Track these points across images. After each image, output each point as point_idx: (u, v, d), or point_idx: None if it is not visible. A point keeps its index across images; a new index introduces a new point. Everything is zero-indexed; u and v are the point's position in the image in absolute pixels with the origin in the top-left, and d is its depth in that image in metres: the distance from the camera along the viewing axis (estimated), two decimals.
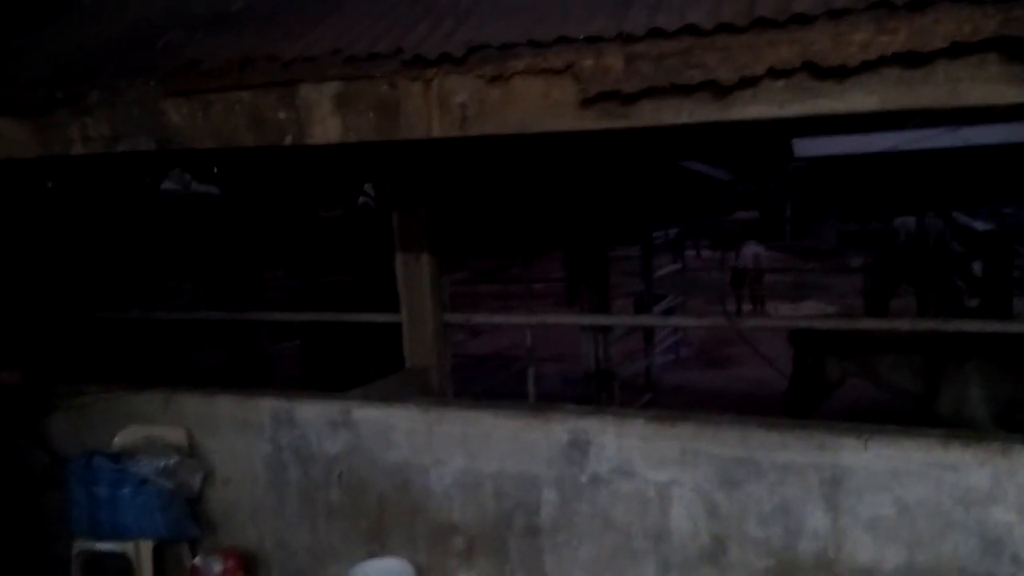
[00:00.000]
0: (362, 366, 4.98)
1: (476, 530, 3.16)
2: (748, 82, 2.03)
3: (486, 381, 6.72)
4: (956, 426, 3.47)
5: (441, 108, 2.39)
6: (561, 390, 7.33)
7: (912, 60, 1.93)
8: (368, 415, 3.32)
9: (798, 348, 4.03)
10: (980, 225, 8.45)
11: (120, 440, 3.47)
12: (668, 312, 8.87)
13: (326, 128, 2.55)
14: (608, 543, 2.98)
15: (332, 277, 7.58)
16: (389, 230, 4.08)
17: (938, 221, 12.31)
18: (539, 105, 2.27)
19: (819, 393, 4.01)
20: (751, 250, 13.11)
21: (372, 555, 3.29)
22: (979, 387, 3.48)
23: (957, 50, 1.88)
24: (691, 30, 2.12)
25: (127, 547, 3.24)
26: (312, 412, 3.41)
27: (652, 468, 2.92)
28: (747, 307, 12.34)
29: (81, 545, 3.29)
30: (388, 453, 3.29)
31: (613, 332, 6.71)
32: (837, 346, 3.86)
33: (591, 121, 2.23)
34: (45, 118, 2.88)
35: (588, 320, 5.92)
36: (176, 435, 3.49)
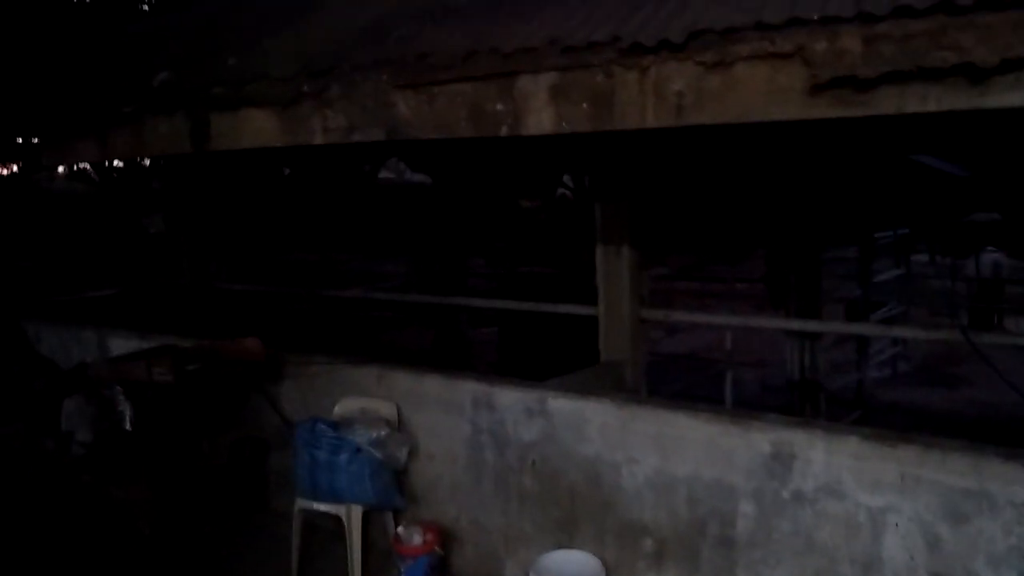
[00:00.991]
0: (557, 357, 5.04)
1: (667, 533, 3.09)
2: (1012, 65, 1.78)
3: (681, 381, 6.55)
4: None
5: (656, 97, 2.34)
6: (760, 398, 6.98)
7: None
8: (563, 406, 3.34)
9: None
10: None
11: (339, 409, 3.78)
12: (887, 321, 8.14)
13: (540, 119, 2.58)
14: (810, 566, 2.78)
15: (530, 267, 7.75)
16: (587, 222, 4.09)
17: None
18: (763, 92, 2.15)
19: None
20: (990, 258, 11.70)
21: (561, 545, 3.32)
22: None
23: None
24: (945, 7, 1.90)
25: (340, 509, 3.51)
26: (510, 398, 3.50)
27: (865, 491, 2.68)
28: (985, 321, 11.01)
29: (302, 503, 3.61)
30: (581, 445, 3.29)
31: (822, 340, 6.26)
32: None
33: (822, 109, 2.07)
34: (292, 110, 3.17)
35: (796, 325, 5.56)
36: (387, 409, 3.73)
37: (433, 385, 3.74)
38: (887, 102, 1.99)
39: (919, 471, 2.59)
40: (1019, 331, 10.43)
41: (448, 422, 3.66)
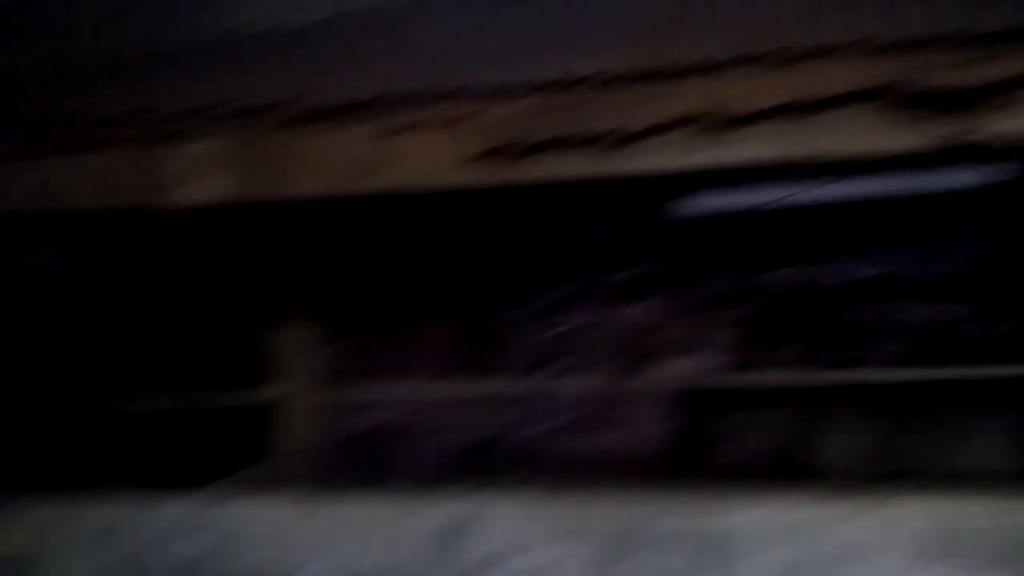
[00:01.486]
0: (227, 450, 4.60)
1: None
2: (641, 134, 2.03)
3: (382, 459, 6.33)
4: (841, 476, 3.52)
5: (327, 164, 2.28)
6: (455, 463, 7.03)
7: (798, 110, 1.98)
8: (223, 513, 2.99)
9: (683, 406, 4.01)
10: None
11: None
12: (557, 374, 8.76)
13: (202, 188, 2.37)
14: None
15: None
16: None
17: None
18: (430, 161, 2.20)
19: (706, 450, 3.99)
20: (643, 305, 13.21)
21: None
22: (854, 434, 3.55)
23: (843, 99, 1.94)
24: (584, 81, 2.10)
25: None
26: (154, 513, 3.04)
27: (534, 548, 2.74)
28: (642, 365, 12.38)
29: None
30: (243, 557, 2.95)
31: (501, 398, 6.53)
32: (724, 403, 3.86)
33: (483, 176, 2.17)
34: None
35: (467, 390, 5.70)
36: None
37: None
38: (543, 169, 2.14)
39: (577, 520, 2.71)
40: None
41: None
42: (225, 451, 4.94)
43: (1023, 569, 2.39)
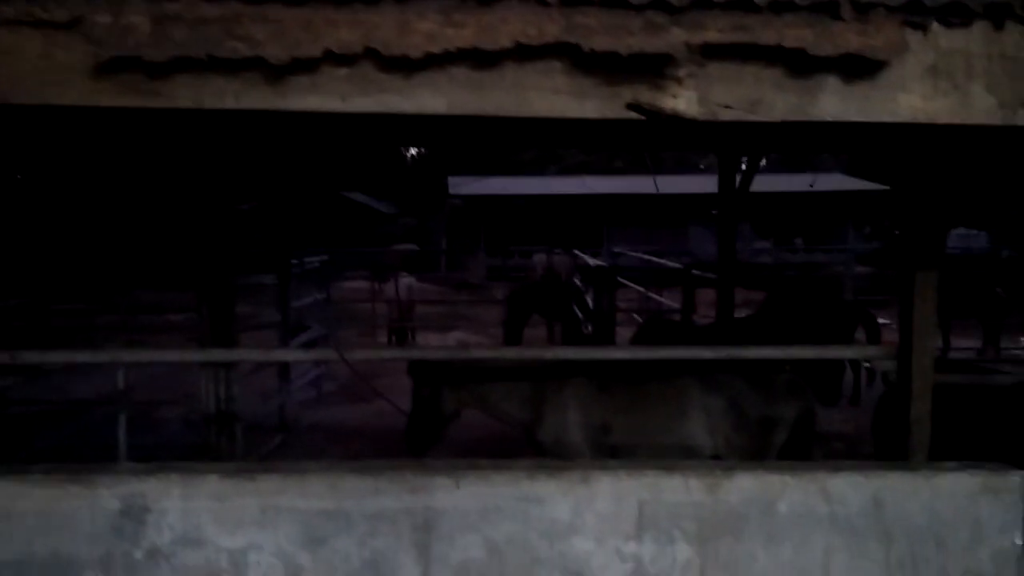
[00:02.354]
0: None
1: None
2: (304, 65, 1.71)
3: (70, 433, 5.59)
4: (557, 453, 3.55)
5: None
6: (178, 437, 6.41)
7: (480, 59, 1.78)
8: None
9: (416, 380, 3.86)
10: (595, 263, 9.40)
11: None
12: (310, 345, 8.38)
13: None
14: None
15: None
16: None
17: (566, 258, 13.64)
18: (37, 68, 1.71)
19: (438, 425, 3.87)
20: (405, 282, 13.23)
21: None
22: (576, 411, 3.60)
23: (523, 53, 1.77)
24: None
25: None
26: None
27: (226, 533, 2.43)
28: (401, 338, 12.34)
29: None
30: None
31: (239, 368, 6.03)
32: (452, 377, 3.76)
33: (110, 96, 1.74)
34: None
35: (184, 357, 5.17)
36: None
37: None
38: (183, 94, 1.75)
39: (279, 501, 2.45)
40: (422, 345, 11.95)
41: None
42: None
43: (711, 546, 2.49)
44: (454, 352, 5.22)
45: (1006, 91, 1.90)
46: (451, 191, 22.45)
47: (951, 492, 2.48)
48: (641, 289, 9.90)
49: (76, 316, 7.92)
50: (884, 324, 9.33)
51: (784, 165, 24.66)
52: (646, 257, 11.82)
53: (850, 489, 2.46)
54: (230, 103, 1.74)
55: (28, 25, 1.67)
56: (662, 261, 10.71)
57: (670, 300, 9.70)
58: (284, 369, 7.43)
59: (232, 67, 1.70)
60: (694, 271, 8.12)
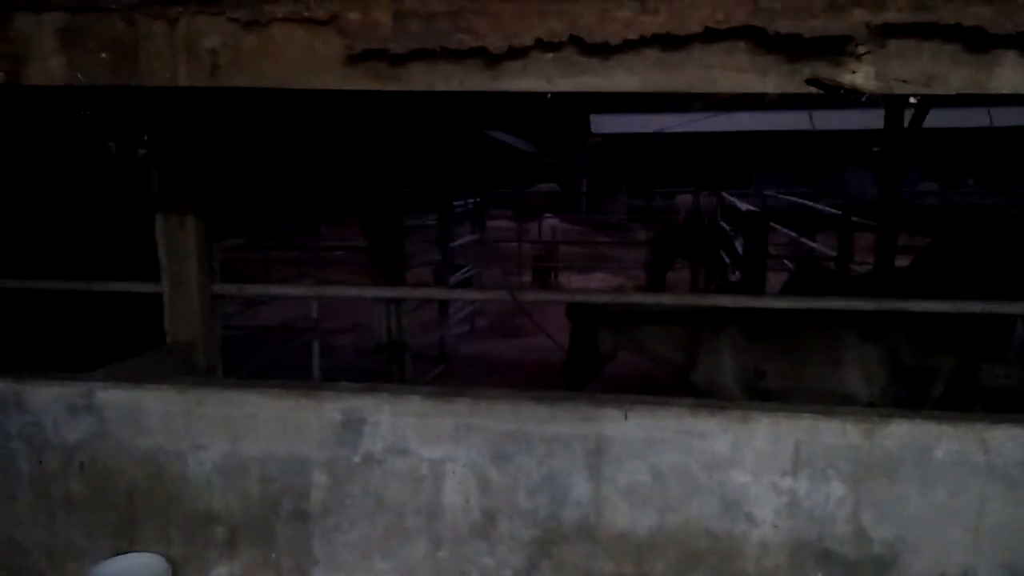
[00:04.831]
0: (122, 340, 4.49)
1: (239, 518, 2.95)
2: (517, 52, 1.98)
3: (270, 355, 6.37)
4: (709, 394, 3.77)
5: (189, 53, 2.13)
6: (354, 362, 7.14)
7: (670, 43, 1.98)
8: (114, 398, 2.97)
9: (574, 322, 4.16)
10: (744, 206, 9.28)
11: None
12: (465, 283, 8.92)
13: (48, 68, 2.18)
14: (380, 523, 2.90)
15: (91, 238, 6.79)
16: (147, 188, 3.67)
17: (711, 200, 13.43)
18: (302, 58, 2.09)
19: (594, 365, 4.18)
20: (549, 223, 13.58)
21: (120, 551, 2.97)
22: (730, 357, 3.78)
23: (710, 36, 1.95)
24: None
25: None
26: (46, 395, 3.00)
27: (427, 445, 2.87)
28: (545, 278, 12.78)
29: None
30: (139, 439, 2.97)
31: (406, 302, 6.61)
32: (609, 320, 4.03)
33: (359, 80, 2.08)
34: None
35: (371, 292, 5.75)
36: None
37: None
38: (419, 79, 2.07)
39: (471, 421, 2.84)
40: (565, 287, 12.28)
41: None
42: (115, 339, 4.84)
43: (865, 486, 2.66)
44: (614, 296, 5.48)
45: None
46: (592, 130, 22.28)
47: None
48: (793, 234, 9.71)
49: (274, 251, 8.82)
50: None
51: (956, 97, 22.62)
52: (797, 200, 11.48)
53: (1009, 440, 2.54)
54: (456, 86, 2.04)
55: (295, 22, 2.04)
56: (815, 205, 10.38)
57: (823, 246, 9.46)
58: (444, 305, 8.02)
59: (458, 56, 2.00)
60: (852, 216, 7.89)
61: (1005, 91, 1.94)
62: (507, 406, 2.84)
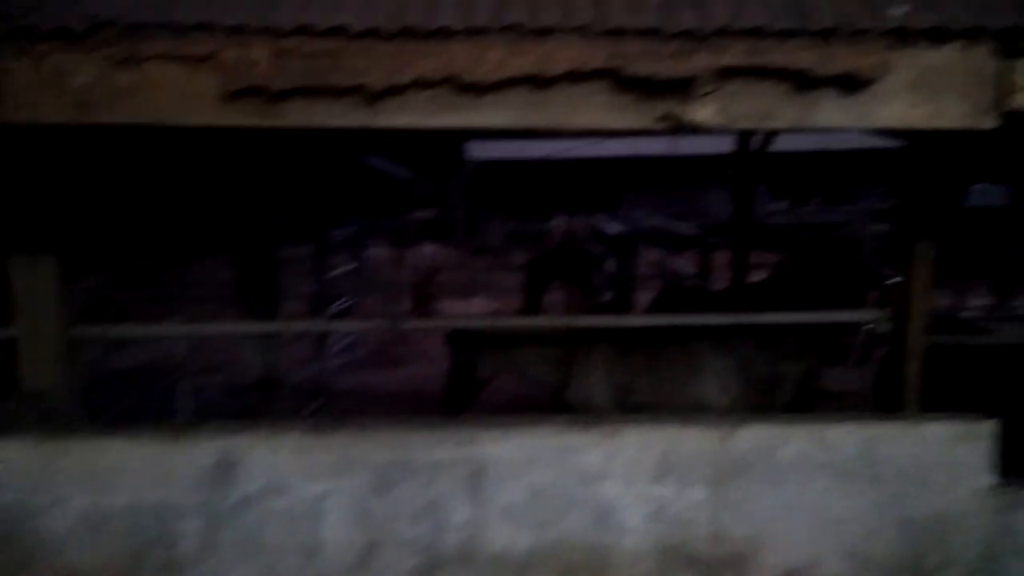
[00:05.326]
0: None
1: (104, 572, 2.82)
2: (396, 90, 2.06)
3: (136, 398, 6.05)
4: (584, 412, 3.93)
5: (55, 90, 2.08)
6: (226, 403, 6.88)
7: (538, 83, 2.13)
8: None
9: (454, 347, 4.24)
10: (613, 228, 9.70)
11: None
12: (343, 313, 8.81)
13: None
14: (258, 566, 2.84)
15: None
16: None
17: (584, 223, 13.92)
18: (178, 96, 2.09)
19: (474, 389, 4.26)
20: (427, 249, 13.61)
21: None
22: (601, 374, 3.97)
23: (574, 76, 2.12)
24: (340, 31, 2.10)
25: None
26: None
27: (306, 481, 2.85)
28: (424, 305, 12.77)
29: None
30: None
31: (281, 337, 6.46)
32: (487, 343, 4.14)
33: (237, 117, 2.11)
34: None
35: (242, 328, 5.60)
36: None
37: None
38: (297, 115, 2.12)
39: (352, 453, 2.86)
40: (444, 313, 12.37)
41: None
42: None
43: (723, 488, 2.87)
44: (491, 321, 5.60)
45: (974, 100, 2.23)
46: (468, 156, 22.58)
47: (933, 439, 2.84)
48: (659, 254, 10.22)
49: (138, 289, 8.39)
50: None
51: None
52: (662, 222, 12.12)
53: (844, 437, 2.83)
54: (335, 122, 2.11)
55: (171, 59, 2.04)
56: (678, 225, 11.00)
57: (689, 263, 9.99)
58: (321, 337, 7.87)
59: (337, 93, 2.06)
60: (710, 235, 8.42)
61: (827, 125, 2.21)
62: (389, 435, 2.88)
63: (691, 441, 2.84)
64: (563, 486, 2.86)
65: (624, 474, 2.84)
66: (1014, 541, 2.91)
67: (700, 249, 8.29)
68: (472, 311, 12.29)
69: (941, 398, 3.32)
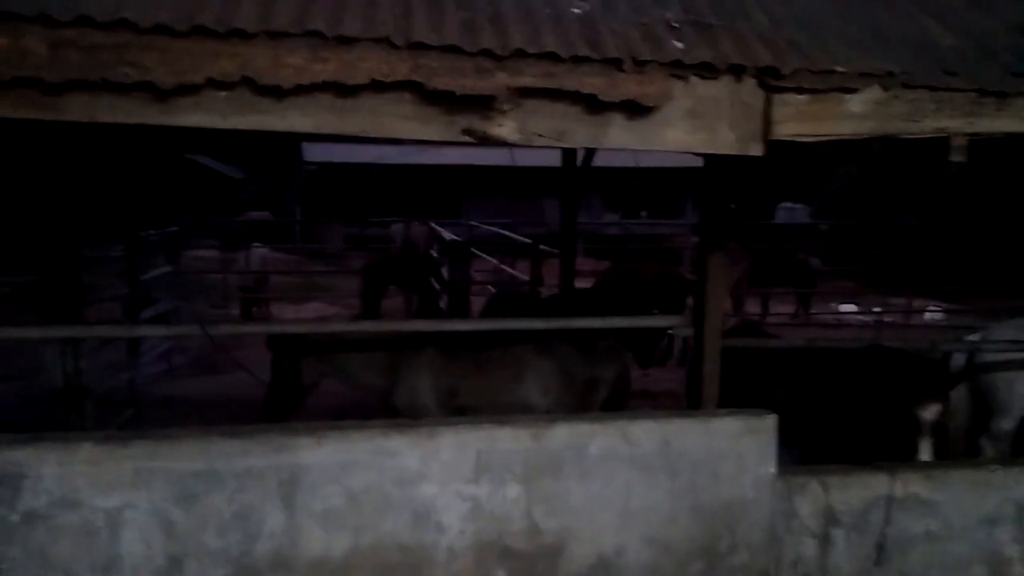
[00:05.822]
0: None
1: None
2: (188, 89, 1.99)
3: None
4: (410, 416, 3.95)
5: None
6: (21, 413, 6.26)
7: (341, 90, 2.13)
8: None
9: (275, 352, 4.12)
10: (448, 235, 9.81)
11: None
12: (160, 318, 8.28)
13: None
14: None
15: None
16: None
17: (423, 229, 13.95)
18: None
19: (297, 395, 4.16)
20: (259, 252, 13.08)
21: None
22: (427, 378, 4.01)
23: (378, 86, 2.14)
24: (126, 24, 1.99)
25: None
26: None
27: (101, 495, 2.67)
28: (255, 310, 12.27)
29: None
30: None
31: (87, 342, 5.97)
32: (311, 348, 4.06)
33: (8, 109, 1.95)
34: None
35: (38, 333, 5.12)
36: None
37: None
38: (79, 109, 1.99)
39: (152, 464, 2.70)
40: (277, 318, 11.95)
41: None
42: None
43: (535, 484, 2.99)
44: (313, 326, 5.48)
45: (742, 129, 2.50)
46: (304, 157, 21.94)
47: (722, 433, 3.12)
48: (495, 261, 10.43)
49: None
50: None
51: None
52: (499, 230, 12.38)
53: (644, 433, 3.04)
54: (121, 118, 2.00)
55: None
56: (511, 234, 11.29)
57: (523, 271, 10.29)
58: (134, 343, 7.35)
59: (123, 88, 1.95)
60: (542, 244, 8.71)
61: (615, 146, 2.37)
62: (194, 444, 2.75)
63: (506, 440, 2.94)
64: (381, 489, 2.86)
65: (441, 474, 2.89)
66: (792, 523, 3.25)
67: (532, 257, 8.55)
68: (307, 316, 11.96)
69: (735, 396, 3.65)
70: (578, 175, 6.76)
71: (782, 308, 12.84)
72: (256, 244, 13.70)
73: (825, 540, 3.22)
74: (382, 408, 4.19)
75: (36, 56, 1.89)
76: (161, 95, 2.02)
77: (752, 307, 12.33)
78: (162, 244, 9.17)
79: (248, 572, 2.75)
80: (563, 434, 2.97)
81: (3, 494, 2.59)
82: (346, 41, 2.06)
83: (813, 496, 3.20)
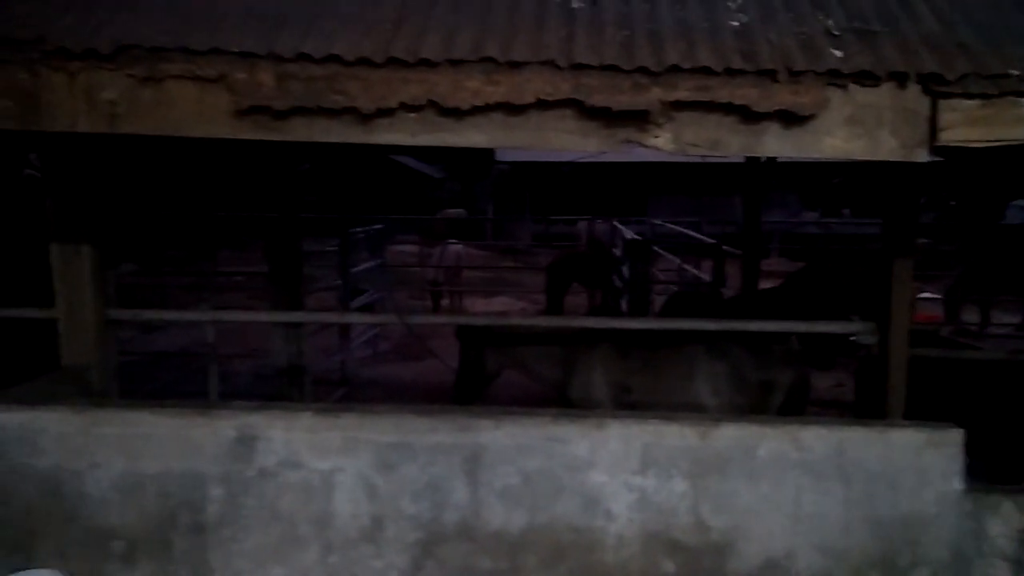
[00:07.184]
0: (16, 365, 4.50)
1: (138, 532, 3.11)
2: (385, 112, 2.32)
3: (164, 379, 6.40)
4: (586, 408, 4.15)
5: (88, 103, 2.36)
6: (252, 387, 7.21)
7: (511, 109, 2.38)
8: (8, 420, 3.09)
9: (463, 343, 4.48)
10: (629, 233, 9.87)
11: None
12: (367, 307, 9.11)
13: None
14: (274, 532, 3.12)
15: None
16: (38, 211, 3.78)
17: (607, 227, 14.09)
18: (194, 110, 2.36)
19: (481, 383, 4.50)
20: (454, 249, 13.89)
21: (17, 568, 3.07)
22: (600, 373, 4.19)
23: (543, 105, 2.37)
24: (335, 59, 2.36)
25: None
26: None
27: (317, 458, 3.11)
28: (446, 302, 13.06)
29: None
30: (35, 459, 3.09)
31: (306, 327, 6.76)
32: (494, 340, 4.37)
33: (246, 131, 2.38)
34: None
35: (264, 317, 5.91)
36: None
37: None
38: (299, 131, 2.39)
39: (358, 434, 3.11)
40: (469, 311, 12.60)
41: None
42: (12, 362, 4.82)
43: (702, 481, 3.07)
44: (496, 319, 5.83)
45: (906, 135, 2.44)
46: (497, 157, 22.82)
47: (902, 444, 3.01)
48: (678, 260, 10.37)
49: (172, 276, 8.80)
50: (928, 298, 9.49)
51: None
52: (681, 229, 12.24)
53: (816, 439, 3.01)
54: (333, 138, 2.38)
55: (187, 79, 2.32)
56: (694, 233, 11.13)
57: (708, 271, 10.15)
58: (345, 329, 8.18)
59: (333, 112, 2.33)
60: (732, 243, 8.56)
61: (770, 155, 2.42)
62: (391, 419, 3.12)
63: (673, 436, 3.04)
64: (552, 472, 3.08)
65: (609, 464, 3.05)
66: (982, 544, 3.07)
67: (714, 257, 8.44)
68: (496, 309, 12.53)
69: (923, 408, 3.48)
70: (762, 172, 6.61)
71: (1007, 318, 11.59)
72: (451, 241, 14.55)
73: (1020, 566, 3.02)
74: (560, 400, 4.43)
75: (267, 87, 2.31)
76: (363, 118, 2.38)
77: (970, 315, 11.23)
78: (369, 240, 10.07)
79: (437, 537, 3.09)
80: (730, 434, 3.03)
81: (243, 452, 3.10)
82: (515, 65, 2.31)
83: (1006, 517, 3.01)
